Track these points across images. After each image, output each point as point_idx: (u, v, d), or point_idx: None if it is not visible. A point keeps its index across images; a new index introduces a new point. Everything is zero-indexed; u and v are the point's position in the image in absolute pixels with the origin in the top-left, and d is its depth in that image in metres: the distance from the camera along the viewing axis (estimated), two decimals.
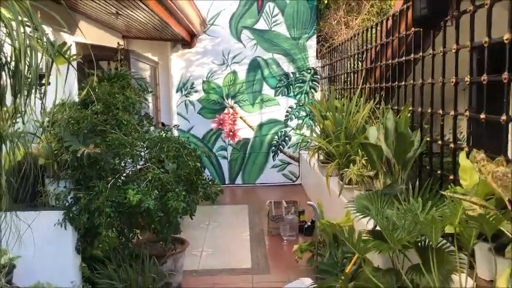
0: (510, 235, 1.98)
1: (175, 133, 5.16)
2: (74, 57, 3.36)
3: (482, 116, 2.50)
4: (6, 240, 2.75)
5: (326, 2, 8.11)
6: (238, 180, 8.29)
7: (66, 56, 3.33)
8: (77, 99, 3.89)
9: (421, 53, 3.41)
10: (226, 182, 8.17)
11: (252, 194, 7.77)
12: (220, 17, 7.86)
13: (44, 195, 3.15)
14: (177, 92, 8.07)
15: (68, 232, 3.18)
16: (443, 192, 2.17)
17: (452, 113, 2.90)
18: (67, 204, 3.15)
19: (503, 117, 2.30)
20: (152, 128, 4.58)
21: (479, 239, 2.16)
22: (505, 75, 2.28)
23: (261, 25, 7.94)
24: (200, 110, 8.14)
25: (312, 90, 8.08)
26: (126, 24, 6.36)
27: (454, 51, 2.85)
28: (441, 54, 3.03)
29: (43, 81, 2.68)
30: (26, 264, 2.95)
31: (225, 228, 5.92)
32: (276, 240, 5.34)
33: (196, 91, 8.09)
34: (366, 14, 7.44)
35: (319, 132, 5.69)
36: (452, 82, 2.87)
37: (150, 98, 6.27)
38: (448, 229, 2.29)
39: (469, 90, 2.70)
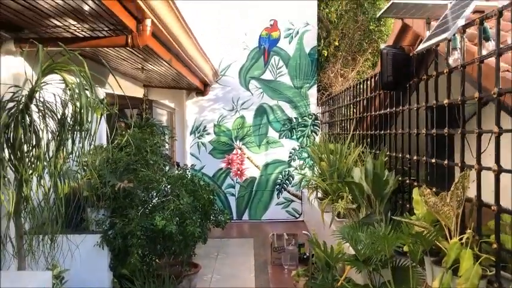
0: (445, 249, 2.66)
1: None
2: (115, 109, 4.16)
3: (433, 160, 3.22)
4: (58, 256, 3.49)
5: (326, 55, 9.00)
6: (245, 216, 8.94)
7: (105, 107, 4.13)
8: (104, 142, 4.69)
9: (394, 108, 4.17)
10: (234, 218, 8.82)
11: (257, 229, 8.40)
12: (231, 68, 8.78)
13: (86, 221, 3.88)
14: (190, 134, 8.89)
15: (104, 252, 3.89)
16: (394, 217, 2.87)
17: (415, 157, 3.63)
18: (105, 228, 3.87)
19: (445, 162, 3.03)
20: (167, 168, 5.33)
21: (427, 255, 2.84)
22: (445, 130, 3.02)
23: (267, 76, 8.83)
24: (211, 150, 8.93)
25: (313, 134, 8.86)
26: (147, 75, 7.25)
27: (415, 109, 3.61)
28: (407, 110, 3.80)
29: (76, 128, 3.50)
30: (72, 277, 3.64)
31: (232, 258, 6.55)
32: (278, 269, 5.96)
33: (208, 133, 8.90)
34: (360, 67, 8.31)
35: (318, 172, 6.40)
36: (414, 133, 3.62)
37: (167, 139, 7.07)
38: (406, 248, 2.98)
39: (425, 140, 3.44)
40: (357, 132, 5.80)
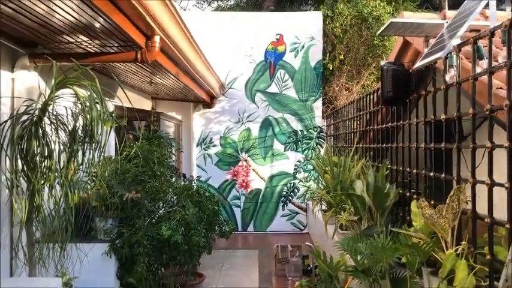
0: (441, 260, 2.74)
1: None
2: (124, 122, 4.30)
3: (431, 173, 3.32)
4: (67, 264, 3.60)
5: (331, 68, 9.14)
6: (250, 228, 9.02)
7: (115, 120, 4.27)
8: (113, 153, 4.82)
9: (395, 123, 4.27)
10: (239, 229, 8.90)
11: (262, 240, 8.46)
12: (237, 81, 8.94)
13: (95, 231, 4.00)
14: (197, 146, 9.02)
15: (111, 260, 4.00)
16: (392, 229, 2.96)
17: (415, 170, 3.72)
18: (112, 237, 3.99)
19: (443, 175, 3.12)
20: (174, 179, 5.45)
21: (424, 266, 2.93)
22: (443, 144, 3.12)
23: (273, 89, 8.97)
24: (217, 162, 9.05)
25: (318, 146, 8.96)
26: (155, 88, 7.42)
27: (415, 123, 3.71)
28: (407, 125, 3.90)
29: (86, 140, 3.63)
30: (80, 284, 3.75)
31: (237, 269, 6.62)
32: (282, 280, 6.01)
33: (214, 145, 9.03)
34: (365, 81, 8.42)
35: (323, 184, 6.48)
36: (414, 147, 3.71)
37: (174, 151, 7.20)
38: (404, 259, 3.07)
39: (424, 154, 3.53)
40: (361, 145, 5.90)
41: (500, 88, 2.74)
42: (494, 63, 2.55)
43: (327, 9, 9.17)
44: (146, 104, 7.87)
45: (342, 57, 8.96)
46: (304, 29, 8.92)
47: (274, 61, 9.00)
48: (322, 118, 9.01)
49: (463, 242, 2.69)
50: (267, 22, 9.11)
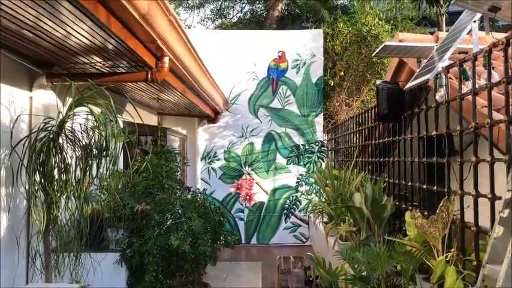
0: (433, 267, 2.94)
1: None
2: (134, 137, 4.55)
3: (424, 186, 3.53)
4: (81, 272, 3.82)
5: (332, 84, 9.41)
6: (254, 240, 9.20)
7: (127, 136, 4.51)
8: (121, 167, 5.04)
9: (391, 138, 4.50)
10: (243, 242, 9.07)
11: (265, 252, 8.62)
12: (241, 97, 9.21)
13: (107, 241, 4.22)
14: (201, 160, 9.26)
15: (122, 269, 4.21)
16: (387, 238, 3.17)
17: (410, 183, 3.94)
18: (123, 247, 4.20)
19: (434, 187, 3.33)
20: (180, 192, 5.67)
21: (417, 272, 3.12)
22: (434, 159, 3.34)
23: (275, 104, 9.23)
24: (221, 176, 9.26)
25: (320, 160, 9.18)
26: (161, 104, 7.68)
27: (409, 139, 3.94)
28: (403, 140, 4.13)
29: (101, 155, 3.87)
30: None
31: (240, 280, 6.79)
32: None
33: (218, 159, 9.26)
34: (364, 96, 8.68)
35: (324, 197, 6.68)
36: (408, 161, 3.93)
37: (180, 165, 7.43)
38: (399, 267, 3.27)
39: (418, 167, 3.75)
40: (360, 159, 6.11)
41: (485, 107, 2.97)
42: (481, 83, 2.78)
43: (328, 27, 9.47)
44: (152, 120, 8.13)
45: (342, 73, 9.24)
46: (306, 46, 9.21)
47: (276, 77, 9.27)
48: (323, 133, 9.24)
49: (453, 250, 2.89)
50: (270, 40, 9.41)
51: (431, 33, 6.83)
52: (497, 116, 2.61)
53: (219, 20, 13.67)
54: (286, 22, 11.49)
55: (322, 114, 9.21)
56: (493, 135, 2.52)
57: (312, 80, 9.18)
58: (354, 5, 9.05)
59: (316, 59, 9.16)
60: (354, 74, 8.99)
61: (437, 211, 2.89)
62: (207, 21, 14.33)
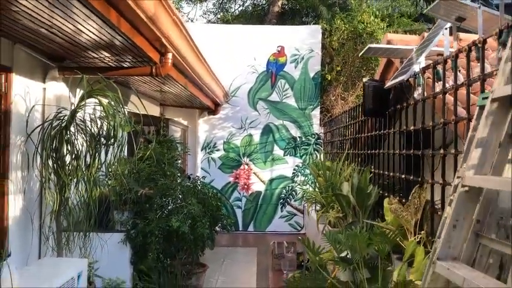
0: (404, 247, 3.30)
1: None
2: (140, 127, 4.89)
3: (403, 176, 3.88)
4: (89, 249, 4.19)
5: (329, 79, 9.72)
6: (251, 228, 9.57)
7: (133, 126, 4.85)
8: (125, 154, 5.39)
9: (378, 132, 4.84)
10: (240, 229, 9.45)
11: (261, 239, 9.02)
12: (240, 90, 9.53)
13: (112, 222, 4.58)
14: (201, 150, 9.61)
15: (126, 249, 4.57)
16: (365, 221, 3.52)
17: (391, 174, 4.29)
18: (128, 228, 4.56)
19: (410, 177, 3.68)
20: (180, 179, 6.02)
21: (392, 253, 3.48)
22: (412, 151, 3.69)
23: (274, 97, 9.56)
24: (220, 165, 9.62)
25: (316, 152, 9.52)
26: (164, 96, 8.01)
27: (392, 133, 4.28)
28: (387, 134, 4.47)
29: (108, 143, 4.22)
30: (99, 268, 4.32)
31: (237, 264, 7.19)
32: (278, 274, 6.57)
33: (217, 150, 9.61)
34: (359, 91, 8.99)
35: (317, 187, 7.04)
36: (391, 153, 4.28)
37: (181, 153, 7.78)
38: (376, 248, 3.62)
39: (399, 159, 4.10)
40: (351, 151, 6.46)
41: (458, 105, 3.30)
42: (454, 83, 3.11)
43: (326, 23, 9.76)
44: (155, 110, 8.47)
45: (338, 68, 9.55)
46: (304, 41, 9.51)
47: (275, 71, 9.59)
48: (320, 126, 9.58)
49: (423, 232, 3.25)
50: (269, 35, 9.71)
51: (430, 29, 7.13)
52: (463, 113, 2.95)
53: (221, 14, 13.95)
54: (287, 17, 11.77)
55: (319, 107, 9.53)
56: (457, 130, 2.86)
57: (310, 75, 9.50)
58: (351, 3, 9.31)
59: (314, 54, 9.46)
60: (349, 69, 9.31)
61: (410, 197, 3.24)
62: (209, 15, 14.61)
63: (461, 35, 4.30)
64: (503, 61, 1.84)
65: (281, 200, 9.60)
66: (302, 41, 9.52)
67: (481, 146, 1.86)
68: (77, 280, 3.47)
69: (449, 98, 3.17)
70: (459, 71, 2.97)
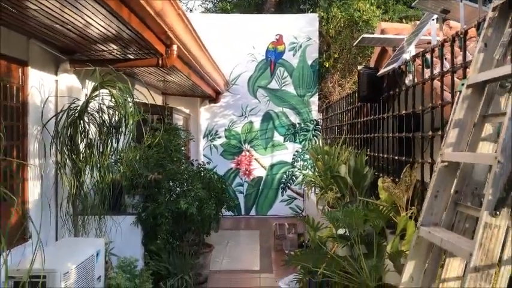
0: (397, 222, 3.59)
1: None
2: (147, 116, 5.15)
3: (396, 157, 4.16)
4: (104, 231, 4.48)
5: (327, 66, 9.96)
6: (253, 212, 9.90)
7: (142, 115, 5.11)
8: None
9: (373, 116, 5.11)
10: (243, 213, 9.78)
11: (263, 222, 9.34)
12: (240, 78, 9.79)
13: (124, 205, 4.87)
14: (203, 137, 9.89)
15: (138, 230, 4.87)
16: (361, 198, 3.81)
17: (385, 155, 4.57)
18: (139, 211, 4.86)
19: (403, 158, 3.97)
20: (185, 165, 6.30)
21: (386, 228, 3.78)
22: (404, 134, 3.96)
23: (273, 85, 9.82)
24: (222, 152, 9.92)
25: (315, 138, 9.81)
26: (166, 85, 8.25)
27: (386, 117, 4.55)
28: (382, 118, 4.74)
29: (119, 131, 4.49)
30: (114, 246, 4.62)
31: (240, 245, 7.52)
32: (280, 253, 6.90)
33: (219, 137, 9.90)
34: (356, 78, 9.23)
35: (316, 170, 7.33)
36: (385, 137, 4.56)
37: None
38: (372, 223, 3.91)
39: (392, 141, 4.38)
40: (349, 136, 6.73)
41: (445, 90, 3.57)
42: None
43: (323, 11, 9.97)
44: (158, 99, 8.71)
45: (336, 55, 9.78)
46: (302, 30, 9.74)
47: (274, 59, 9.83)
48: (318, 112, 9.85)
49: (414, 207, 3.54)
50: (268, 24, 9.93)
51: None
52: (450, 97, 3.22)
53: (220, 3, 14.10)
54: (284, 6, 11.95)
55: (317, 94, 9.80)
56: (443, 114, 3.13)
57: (308, 62, 9.74)
58: None
59: (311, 42, 9.70)
60: (346, 56, 9.54)
61: (401, 176, 3.53)
62: (208, 4, 14.77)
63: (452, 23, 4.56)
64: (477, 51, 2.11)
65: (281, 185, 9.91)
66: (300, 29, 9.74)
67: (458, 126, 2.14)
68: (95, 257, 3.76)
69: (438, 84, 3.44)
70: (445, 59, 3.23)
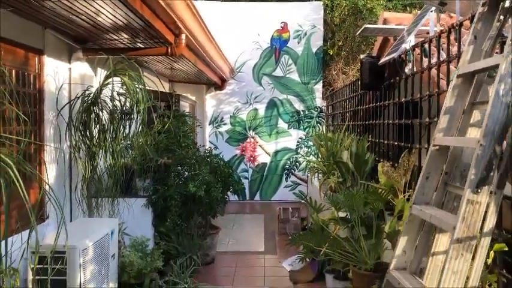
0: (395, 204, 3.79)
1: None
2: (157, 102, 5.34)
3: (396, 143, 4.35)
4: (117, 212, 4.70)
5: (331, 54, 10.09)
6: (257, 197, 10.14)
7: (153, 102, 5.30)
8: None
9: (374, 104, 5.29)
10: (247, 198, 10.02)
11: (267, 207, 9.58)
12: (245, 66, 9.95)
13: (135, 188, 5.10)
14: (209, 124, 10.10)
15: (148, 212, 5.10)
16: (361, 181, 4.02)
17: (386, 141, 4.76)
18: (149, 194, 5.08)
19: (402, 143, 4.15)
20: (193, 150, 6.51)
21: (387, 210, 3.99)
22: (404, 121, 4.14)
23: (278, 72, 9.98)
24: (227, 139, 10.13)
25: (318, 125, 9.99)
26: (173, 73, 8.43)
27: (387, 104, 4.73)
28: (383, 105, 4.92)
29: (131, 117, 4.69)
30: (126, 227, 4.86)
31: (245, 228, 7.76)
32: (283, 236, 7.13)
33: (224, 124, 10.10)
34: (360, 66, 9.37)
35: (319, 156, 7.52)
36: (386, 123, 4.74)
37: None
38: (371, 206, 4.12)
39: (393, 128, 4.56)
40: (352, 122, 6.92)
41: (442, 79, 3.74)
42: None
43: None
44: (165, 87, 8.90)
45: (340, 43, 9.91)
46: (307, 18, 9.86)
47: (279, 47, 9.98)
48: (322, 99, 10.02)
49: (411, 190, 3.74)
50: (273, 11, 10.06)
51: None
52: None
53: None
54: None
55: (321, 82, 9.96)
56: (439, 101, 3.31)
57: (312, 50, 9.88)
58: None
59: (316, 29, 9.82)
60: (350, 44, 9.67)
61: (400, 160, 3.72)
62: None
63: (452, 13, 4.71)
64: (467, 44, 2.29)
65: (285, 171, 10.13)
66: (304, 17, 9.86)
67: (449, 113, 2.32)
68: (110, 236, 4.00)
69: (435, 73, 3.61)
70: (442, 49, 3.40)
